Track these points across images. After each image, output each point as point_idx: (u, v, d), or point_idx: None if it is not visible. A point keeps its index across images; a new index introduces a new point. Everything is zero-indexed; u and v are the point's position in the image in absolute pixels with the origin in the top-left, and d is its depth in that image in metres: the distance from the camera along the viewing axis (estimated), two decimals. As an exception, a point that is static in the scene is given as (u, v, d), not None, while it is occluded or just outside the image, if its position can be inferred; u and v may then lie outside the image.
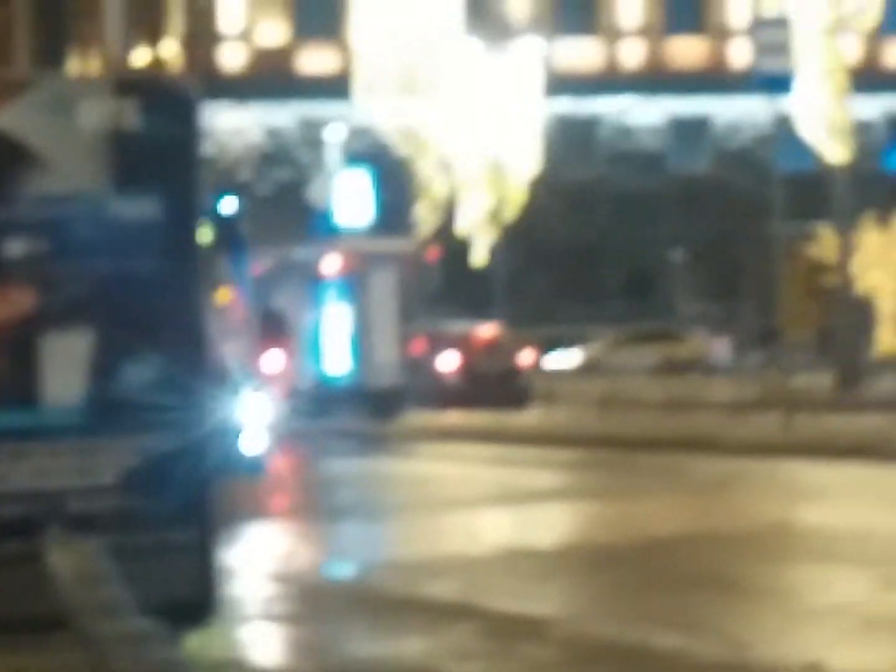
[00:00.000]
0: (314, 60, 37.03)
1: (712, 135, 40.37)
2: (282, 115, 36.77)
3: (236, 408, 6.78)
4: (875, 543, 6.99)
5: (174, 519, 3.12)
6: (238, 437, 7.00)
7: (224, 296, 7.30)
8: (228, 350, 6.95)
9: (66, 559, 2.48)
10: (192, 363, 3.33)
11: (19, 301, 3.13)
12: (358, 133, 30.73)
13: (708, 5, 40.42)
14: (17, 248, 3.17)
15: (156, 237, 3.30)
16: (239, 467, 6.87)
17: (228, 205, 7.56)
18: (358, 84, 29.47)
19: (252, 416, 7.68)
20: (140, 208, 3.25)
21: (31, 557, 2.80)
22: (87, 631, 1.94)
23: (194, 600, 3.22)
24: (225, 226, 6.61)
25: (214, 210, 6.52)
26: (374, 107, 28.95)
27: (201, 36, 35.39)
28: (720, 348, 32.45)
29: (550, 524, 9.35)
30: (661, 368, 26.30)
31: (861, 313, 25.76)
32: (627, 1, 39.96)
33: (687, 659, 3.81)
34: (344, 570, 7.51)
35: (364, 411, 20.19)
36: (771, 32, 17.27)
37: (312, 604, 5.96)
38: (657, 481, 11.70)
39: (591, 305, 34.39)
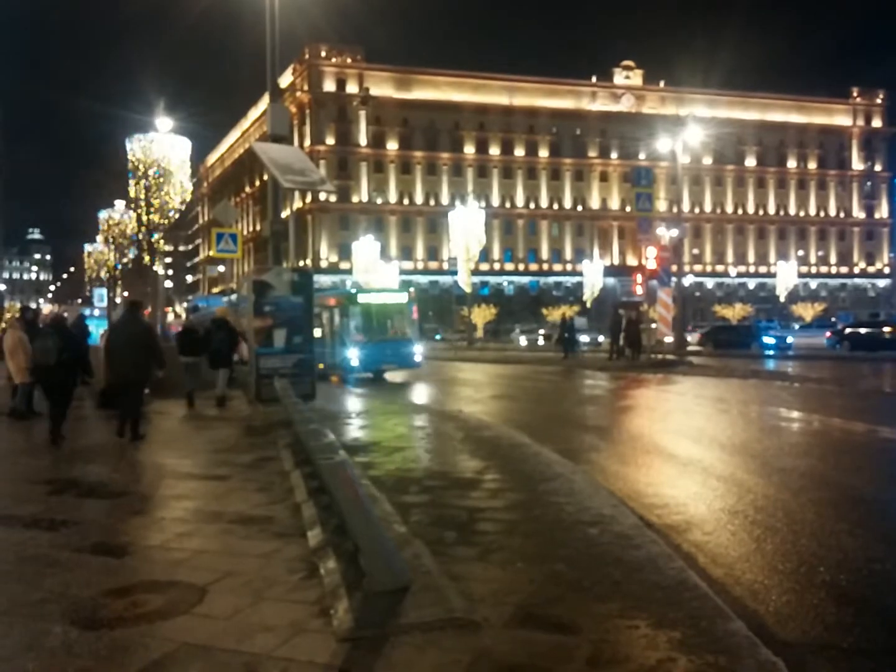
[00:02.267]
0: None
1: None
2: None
3: (416, 345, 21.12)
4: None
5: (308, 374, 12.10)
6: (415, 352, 20.93)
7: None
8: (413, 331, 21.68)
9: (279, 383, 11.23)
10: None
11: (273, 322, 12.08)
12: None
13: None
14: (277, 311, 11.96)
15: (305, 309, 12.07)
16: (415, 363, 20.90)
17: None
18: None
19: (418, 348, 21.26)
20: (302, 300, 11.97)
21: (271, 381, 11.58)
22: (283, 401, 10.51)
23: (310, 394, 12.00)
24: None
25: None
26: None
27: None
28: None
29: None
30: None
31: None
32: None
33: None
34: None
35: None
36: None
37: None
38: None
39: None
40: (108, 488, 7.06)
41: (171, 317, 71.66)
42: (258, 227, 78.72)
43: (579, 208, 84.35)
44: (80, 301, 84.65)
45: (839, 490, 7.03)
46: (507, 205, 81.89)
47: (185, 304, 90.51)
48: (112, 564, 4.82)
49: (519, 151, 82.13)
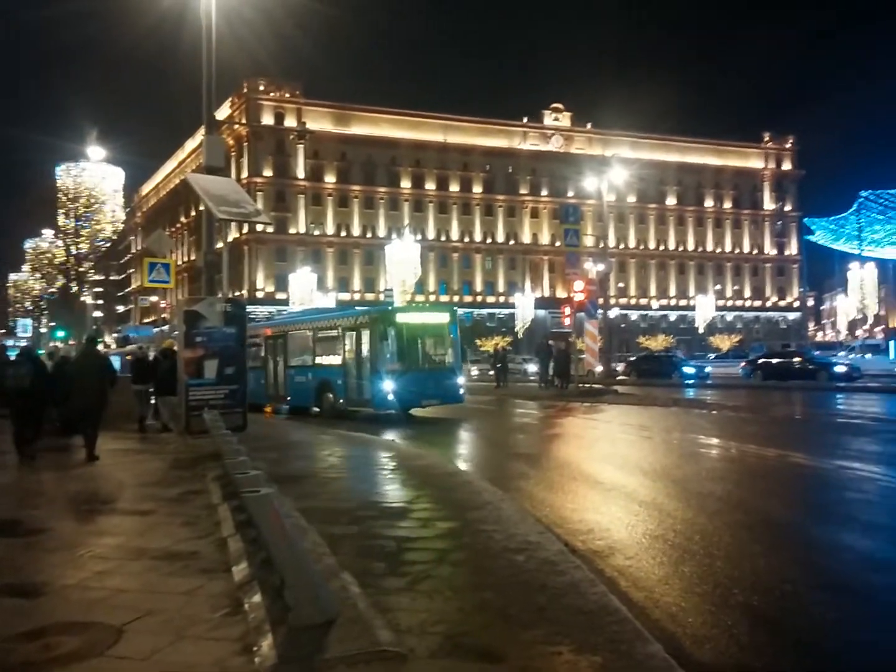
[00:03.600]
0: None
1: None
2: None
3: (459, 376, 17.80)
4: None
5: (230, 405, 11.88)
6: (459, 384, 17.71)
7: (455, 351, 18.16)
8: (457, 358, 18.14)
9: (209, 415, 10.98)
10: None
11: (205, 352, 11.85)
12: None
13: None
14: (209, 342, 11.74)
15: (239, 338, 11.90)
16: (459, 396, 17.61)
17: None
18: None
19: (462, 379, 18.19)
20: (235, 331, 11.82)
21: (201, 413, 11.31)
22: (212, 432, 10.29)
23: (242, 426, 11.77)
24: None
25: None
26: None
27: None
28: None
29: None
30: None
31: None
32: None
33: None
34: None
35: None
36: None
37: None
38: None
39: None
40: (24, 525, 6.74)
41: (99, 347, 68.82)
42: (192, 258, 77.39)
43: (511, 243, 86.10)
44: (3, 331, 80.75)
45: (753, 514, 7.34)
46: (443, 238, 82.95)
47: (114, 335, 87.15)
48: (25, 606, 4.61)
49: (454, 187, 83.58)
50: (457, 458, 10.56)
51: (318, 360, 19.15)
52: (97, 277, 74.28)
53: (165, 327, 38.09)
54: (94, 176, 52.67)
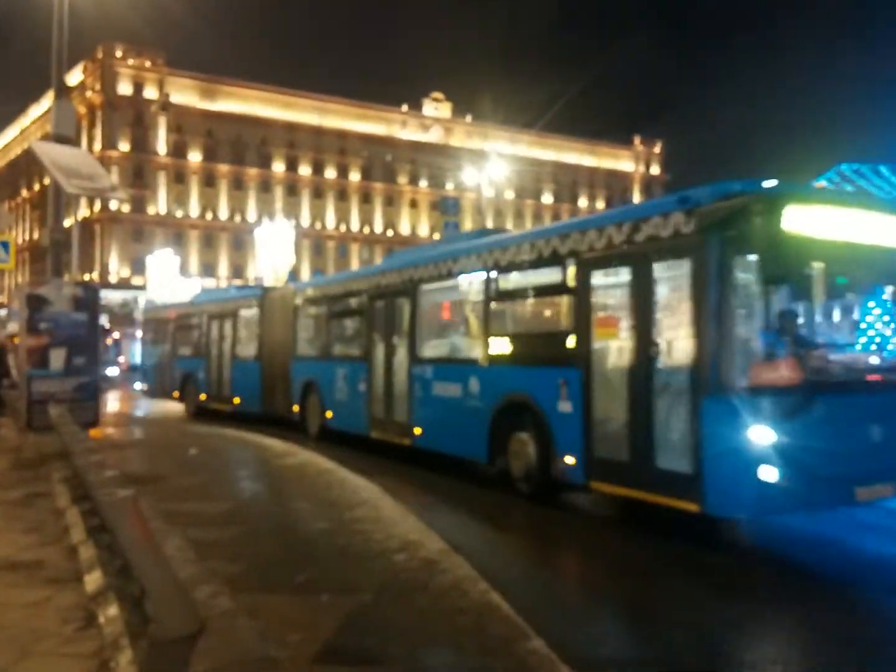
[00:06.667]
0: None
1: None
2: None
3: None
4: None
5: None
6: None
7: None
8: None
9: (55, 410, 10.09)
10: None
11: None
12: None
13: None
14: (55, 329, 10.81)
15: (91, 324, 11.05)
16: None
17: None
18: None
19: None
20: (86, 317, 10.96)
21: (45, 407, 10.35)
22: (59, 429, 9.44)
23: (94, 422, 10.93)
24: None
25: None
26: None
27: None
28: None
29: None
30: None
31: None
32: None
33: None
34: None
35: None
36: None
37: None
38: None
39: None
40: None
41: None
42: (36, 236, 71.40)
43: (390, 233, 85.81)
44: None
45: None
46: (318, 226, 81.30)
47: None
48: None
49: (330, 173, 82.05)
50: (333, 456, 10.23)
51: (498, 348, 8.40)
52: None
53: (3, 311, 34.85)
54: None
